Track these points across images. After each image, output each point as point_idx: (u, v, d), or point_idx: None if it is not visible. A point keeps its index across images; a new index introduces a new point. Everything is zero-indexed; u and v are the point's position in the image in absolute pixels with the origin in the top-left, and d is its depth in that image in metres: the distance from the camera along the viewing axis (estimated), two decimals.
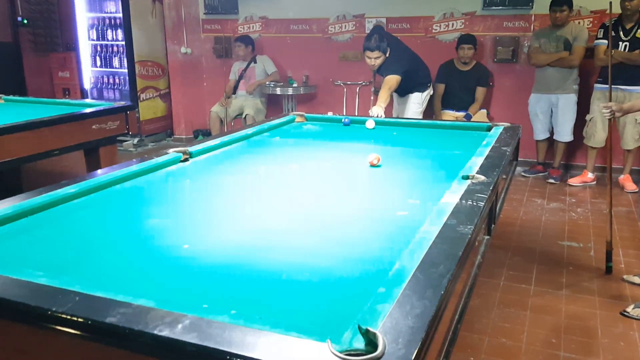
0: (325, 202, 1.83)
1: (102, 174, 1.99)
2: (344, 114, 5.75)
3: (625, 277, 2.92)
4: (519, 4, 4.97)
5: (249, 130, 2.96)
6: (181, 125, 6.59)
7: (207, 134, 6.13)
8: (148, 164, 2.16)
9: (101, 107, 3.76)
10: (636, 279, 2.87)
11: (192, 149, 2.41)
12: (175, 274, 1.25)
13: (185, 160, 2.34)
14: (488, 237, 1.90)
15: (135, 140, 6.22)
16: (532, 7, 4.96)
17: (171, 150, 2.36)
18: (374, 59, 4.14)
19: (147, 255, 1.37)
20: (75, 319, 0.98)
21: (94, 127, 3.61)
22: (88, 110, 3.68)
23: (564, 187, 4.69)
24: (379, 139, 2.90)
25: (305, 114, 3.46)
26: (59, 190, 1.78)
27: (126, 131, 3.93)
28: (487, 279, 2.90)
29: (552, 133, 4.92)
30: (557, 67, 4.65)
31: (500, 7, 5.05)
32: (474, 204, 1.62)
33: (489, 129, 2.95)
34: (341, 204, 1.83)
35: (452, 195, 1.71)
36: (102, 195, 1.84)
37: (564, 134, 4.80)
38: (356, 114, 5.72)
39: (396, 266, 1.22)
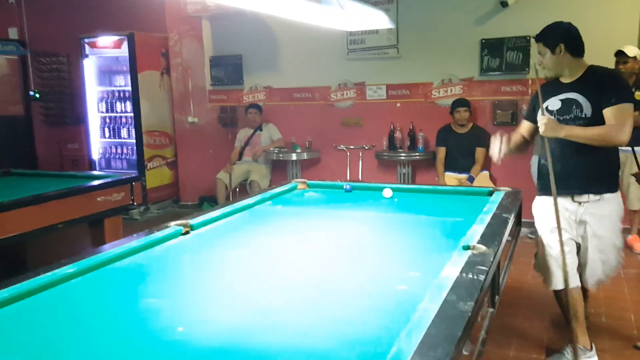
0: (324, 277, 1.81)
1: (101, 252, 1.98)
2: (348, 178, 5.80)
3: (638, 344, 2.82)
4: (515, 69, 5.10)
5: (251, 200, 2.97)
6: (187, 192, 6.65)
7: (213, 200, 6.17)
8: (148, 239, 2.16)
9: (106, 180, 3.81)
10: None
11: (193, 221, 2.42)
12: None
13: (186, 233, 2.35)
14: (492, 310, 1.86)
15: (142, 208, 6.26)
16: (528, 72, 5.08)
17: (172, 223, 2.37)
18: (539, 53, 2.74)
19: (139, 340, 1.34)
20: None
21: (98, 199, 3.65)
22: (93, 182, 3.74)
23: None
24: (380, 206, 2.90)
25: (308, 181, 3.48)
26: (57, 271, 1.78)
27: (131, 202, 3.97)
28: (496, 348, 2.81)
29: None
30: None
31: (497, 73, 5.19)
32: (475, 277, 1.59)
33: (490, 193, 2.95)
34: (340, 278, 1.80)
35: (453, 268, 1.69)
36: (100, 274, 1.83)
37: None
38: (360, 178, 5.78)
39: (394, 349, 1.19)
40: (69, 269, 1.80)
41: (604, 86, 2.55)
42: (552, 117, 2.64)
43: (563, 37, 2.59)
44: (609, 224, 2.68)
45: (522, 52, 5.04)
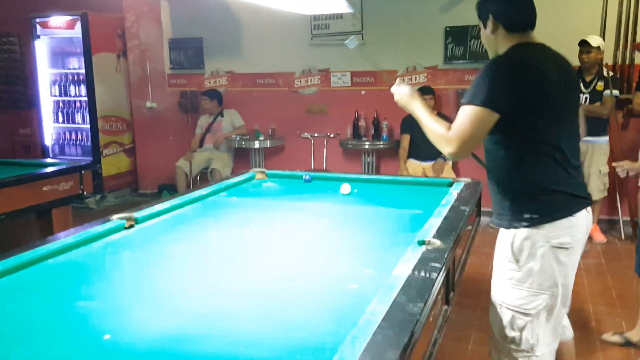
0: (274, 276, 1.71)
1: (32, 249, 1.83)
2: (312, 167, 5.70)
3: (604, 336, 2.82)
4: (478, 57, 5.06)
5: (204, 191, 2.83)
6: (146, 181, 6.43)
7: (173, 189, 5.98)
8: (86, 234, 2.01)
9: (53, 168, 3.61)
10: (616, 338, 2.77)
11: (138, 214, 2.28)
12: None
13: (130, 227, 2.21)
14: (447, 307, 1.79)
15: (97, 197, 6.02)
16: None
17: (114, 216, 2.22)
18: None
19: (60, 351, 1.21)
20: None
21: (44, 189, 3.45)
22: (39, 171, 3.53)
23: None
24: (339, 198, 2.81)
25: (266, 171, 3.36)
26: None
27: (81, 192, 3.77)
28: (454, 342, 2.77)
29: None
30: None
31: (461, 61, 5.15)
32: (427, 275, 1.52)
33: (450, 184, 2.90)
34: (292, 276, 1.70)
35: (405, 265, 1.61)
36: (27, 273, 1.68)
37: None
38: (324, 167, 5.68)
39: (336, 357, 1.10)
40: None
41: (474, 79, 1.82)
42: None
43: (494, 8, 1.89)
44: (496, 267, 2.08)
45: None
